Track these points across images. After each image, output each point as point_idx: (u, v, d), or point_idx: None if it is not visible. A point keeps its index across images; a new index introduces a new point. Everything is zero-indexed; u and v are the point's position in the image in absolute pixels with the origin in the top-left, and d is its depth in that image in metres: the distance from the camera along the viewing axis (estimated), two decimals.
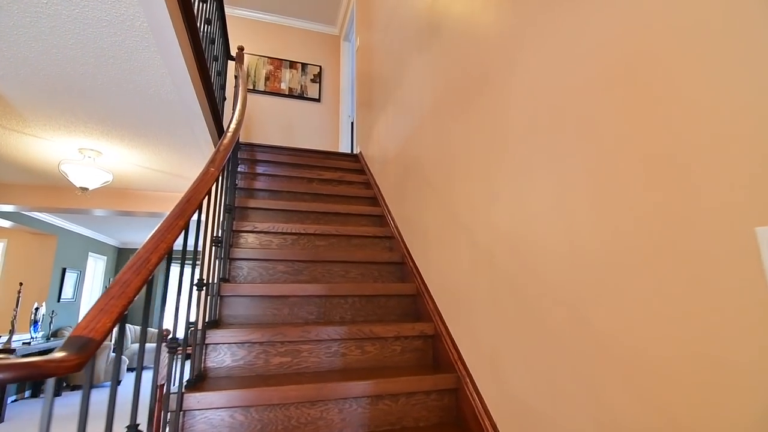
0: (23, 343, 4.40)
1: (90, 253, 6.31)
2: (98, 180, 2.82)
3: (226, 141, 1.65)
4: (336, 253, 1.98)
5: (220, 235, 1.66)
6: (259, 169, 2.76)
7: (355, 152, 3.64)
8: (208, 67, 2.23)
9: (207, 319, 1.57)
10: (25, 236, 5.13)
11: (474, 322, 1.35)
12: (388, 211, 2.44)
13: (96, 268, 6.76)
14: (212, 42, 2.55)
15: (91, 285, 6.66)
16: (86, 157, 2.79)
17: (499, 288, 1.21)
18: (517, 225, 1.13)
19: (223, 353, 1.42)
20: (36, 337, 4.59)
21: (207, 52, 2.41)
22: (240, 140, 3.36)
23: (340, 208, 2.43)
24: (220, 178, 1.79)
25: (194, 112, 2.22)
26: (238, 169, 2.73)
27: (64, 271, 5.44)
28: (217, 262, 1.62)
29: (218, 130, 2.74)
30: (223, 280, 1.74)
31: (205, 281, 1.36)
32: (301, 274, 1.93)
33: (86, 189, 2.78)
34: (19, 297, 4.75)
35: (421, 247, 1.88)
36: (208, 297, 1.59)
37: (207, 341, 1.39)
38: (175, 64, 1.81)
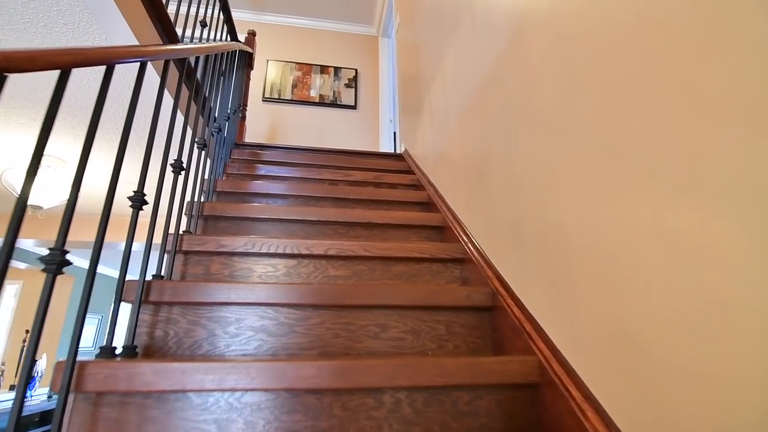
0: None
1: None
2: (57, 197, 2.11)
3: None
4: (364, 292, 1.01)
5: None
6: (261, 171, 1.92)
7: (398, 152, 2.73)
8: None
9: None
10: (40, 277, 4.67)
11: None
12: (454, 218, 1.46)
13: (126, 313, 6.23)
14: None
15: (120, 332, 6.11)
16: (46, 166, 2.11)
17: None
18: None
19: None
20: (30, 396, 3.93)
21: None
22: (246, 141, 2.58)
23: (374, 216, 1.49)
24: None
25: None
26: (228, 171, 1.89)
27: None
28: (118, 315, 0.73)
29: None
30: (126, 351, 0.83)
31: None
32: (292, 334, 0.97)
33: (39, 208, 2.07)
34: (23, 347, 4.18)
35: (545, 272, 0.86)
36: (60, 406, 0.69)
37: None
38: None
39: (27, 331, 4.29)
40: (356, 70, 4.20)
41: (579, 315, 0.73)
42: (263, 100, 3.92)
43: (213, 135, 1.59)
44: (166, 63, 0.98)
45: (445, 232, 1.50)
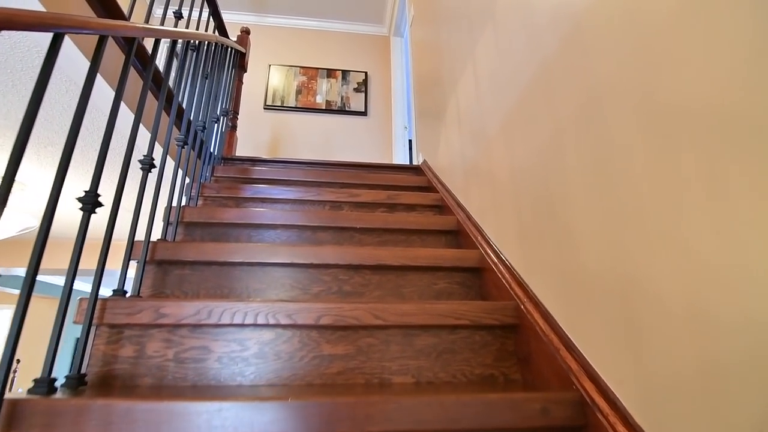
0: None
1: None
2: (13, 226, 1.78)
3: None
4: (374, 410, 0.62)
5: None
6: (247, 192, 1.55)
7: (416, 164, 2.34)
8: None
9: None
10: (34, 302, 4.39)
11: None
12: (498, 258, 1.05)
13: None
14: None
15: None
16: None
17: None
18: None
19: None
20: None
21: None
22: (237, 155, 2.22)
23: (387, 256, 1.09)
24: None
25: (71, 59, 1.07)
26: (206, 193, 1.53)
27: (77, 342, 4.62)
28: None
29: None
30: None
31: None
32: None
33: None
34: (14, 378, 3.89)
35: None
36: None
37: None
38: None
39: (18, 361, 4.01)
40: (366, 73, 3.84)
41: None
42: (265, 108, 3.58)
43: (180, 148, 1.22)
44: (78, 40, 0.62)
45: (485, 277, 1.09)
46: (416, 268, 1.12)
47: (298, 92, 3.68)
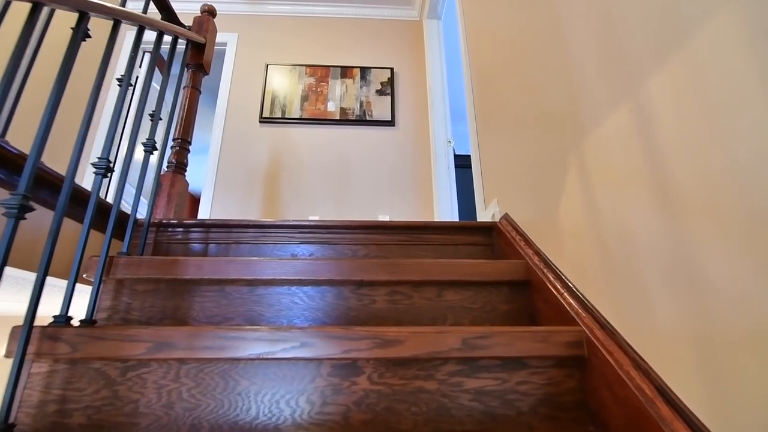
0: None
1: None
2: None
3: None
4: None
5: None
6: (138, 348, 0.68)
7: (486, 220, 1.41)
8: None
9: None
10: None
11: None
12: None
13: None
14: None
15: None
16: None
17: None
18: None
19: None
20: None
21: None
22: (178, 218, 1.36)
23: None
24: None
25: None
26: (57, 349, 0.67)
27: None
28: None
29: None
30: None
31: None
32: None
33: None
34: None
35: None
36: None
37: None
38: None
39: None
40: (392, 69, 2.94)
41: None
42: (261, 122, 2.75)
43: None
44: None
45: None
46: None
47: (304, 99, 2.83)
